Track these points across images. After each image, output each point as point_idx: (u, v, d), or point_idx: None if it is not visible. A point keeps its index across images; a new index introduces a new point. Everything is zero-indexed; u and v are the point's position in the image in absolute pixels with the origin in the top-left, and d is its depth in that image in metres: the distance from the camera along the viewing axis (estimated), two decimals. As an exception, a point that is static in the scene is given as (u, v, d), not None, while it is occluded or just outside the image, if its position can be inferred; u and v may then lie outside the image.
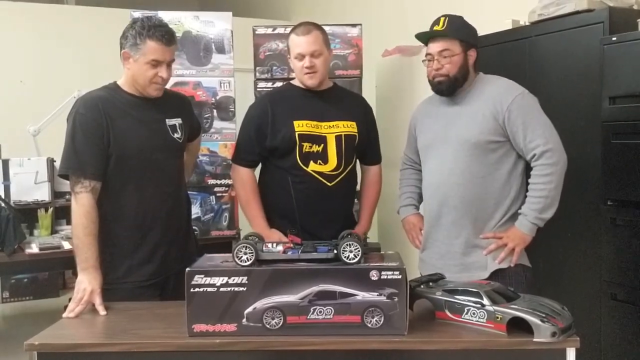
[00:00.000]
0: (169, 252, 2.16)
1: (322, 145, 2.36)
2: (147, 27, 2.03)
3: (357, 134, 2.42)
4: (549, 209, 2.12)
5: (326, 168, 2.37)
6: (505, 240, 2.17)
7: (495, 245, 2.18)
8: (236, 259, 1.63)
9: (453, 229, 2.23)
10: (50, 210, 3.66)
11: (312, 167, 2.36)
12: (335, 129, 2.39)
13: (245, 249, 1.63)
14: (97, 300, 1.92)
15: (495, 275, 2.15)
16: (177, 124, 2.21)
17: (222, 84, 3.37)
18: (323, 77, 2.39)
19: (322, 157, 2.37)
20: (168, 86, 2.34)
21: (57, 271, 4.80)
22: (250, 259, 1.63)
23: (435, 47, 2.23)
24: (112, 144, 2.06)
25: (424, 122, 2.38)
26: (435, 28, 2.25)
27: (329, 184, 2.37)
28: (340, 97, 2.49)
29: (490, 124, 2.17)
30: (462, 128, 2.21)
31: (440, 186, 2.25)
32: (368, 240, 2.82)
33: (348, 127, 2.41)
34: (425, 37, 2.28)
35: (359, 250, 1.63)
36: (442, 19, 2.25)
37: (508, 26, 2.88)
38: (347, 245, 1.63)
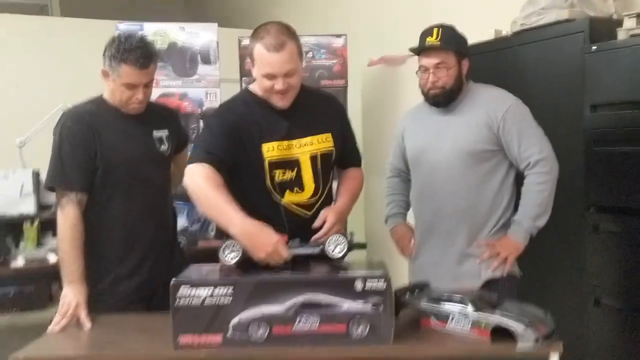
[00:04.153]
0: (156, 264, 2.15)
1: (296, 169, 1.97)
2: (121, 50, 2.00)
3: (333, 149, 2.03)
4: (542, 216, 2.13)
5: (303, 196, 1.98)
6: (498, 249, 2.17)
7: (489, 253, 2.18)
8: (223, 257, 1.66)
9: (447, 238, 2.22)
10: (36, 223, 3.63)
11: (288, 197, 1.97)
12: (309, 147, 1.99)
13: (233, 247, 1.67)
14: (82, 314, 1.91)
15: (488, 284, 2.16)
16: (163, 136, 2.21)
17: (208, 95, 3.38)
18: (296, 93, 1.97)
19: (298, 183, 1.97)
20: (154, 97, 2.35)
21: (43, 284, 4.74)
22: (237, 257, 1.66)
23: (430, 60, 2.19)
24: (99, 156, 2.05)
25: (414, 131, 2.36)
26: (428, 40, 2.20)
27: (308, 213, 1.98)
28: (310, 105, 2.04)
29: (484, 133, 2.17)
30: (456, 137, 2.19)
31: (434, 195, 2.24)
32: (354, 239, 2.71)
33: (323, 141, 2.01)
34: (419, 49, 2.24)
35: (345, 245, 1.69)
36: (435, 30, 2.20)
37: (491, 36, 2.91)
38: (332, 240, 1.67)
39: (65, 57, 5.10)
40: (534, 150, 2.13)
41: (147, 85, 2.09)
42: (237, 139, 1.93)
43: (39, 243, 3.63)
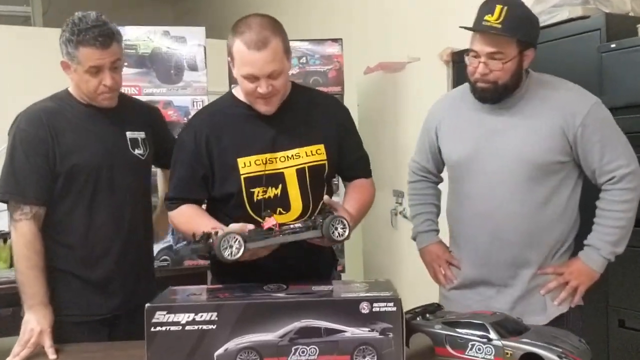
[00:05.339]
0: (123, 287, 1.89)
1: (280, 186, 1.76)
2: (76, 32, 1.77)
3: (326, 162, 1.80)
4: (623, 241, 1.80)
5: (289, 217, 1.75)
6: (567, 277, 1.82)
7: (556, 282, 1.83)
8: (224, 254, 1.46)
9: (509, 269, 1.86)
10: (9, 241, 3.39)
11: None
12: (296, 160, 1.77)
13: (230, 240, 1.47)
14: (47, 343, 1.68)
15: (553, 321, 1.82)
16: (139, 138, 1.95)
17: (194, 103, 3.16)
18: (283, 97, 1.78)
19: (282, 203, 1.76)
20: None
21: (21, 308, 4.49)
22: (239, 250, 1.48)
23: (484, 46, 1.77)
24: (59, 161, 1.81)
25: (456, 128, 1.94)
26: (487, 19, 1.74)
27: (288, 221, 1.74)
28: (302, 109, 1.82)
29: (558, 140, 1.79)
30: (522, 144, 1.81)
31: (493, 216, 1.84)
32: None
33: (313, 154, 1.78)
34: (473, 28, 1.81)
35: (347, 225, 1.53)
36: (499, 7, 1.73)
37: (497, 37, 2.72)
38: (335, 221, 1.52)
39: (48, 66, 4.91)
40: (621, 162, 1.77)
41: (115, 69, 1.83)
42: (208, 158, 1.77)
43: (12, 264, 3.38)
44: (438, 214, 2.11)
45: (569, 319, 1.85)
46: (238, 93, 1.82)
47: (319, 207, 1.70)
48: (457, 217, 1.97)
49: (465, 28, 1.80)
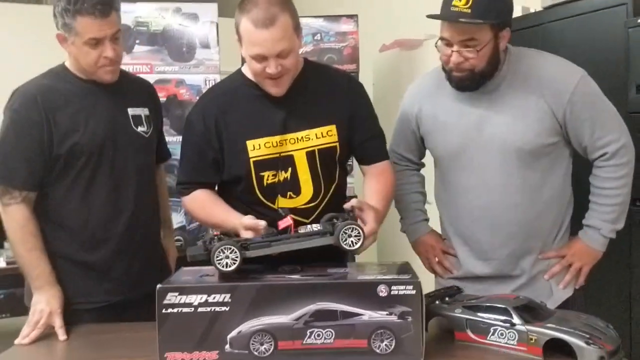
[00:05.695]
0: (128, 270, 1.83)
1: (290, 169, 1.71)
2: (73, 0, 1.67)
3: (337, 144, 1.74)
4: (622, 216, 1.73)
5: (299, 201, 1.72)
6: (570, 259, 1.76)
7: (560, 265, 1.77)
8: (218, 265, 1.38)
9: (512, 261, 1.78)
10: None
11: (281, 202, 1.71)
12: (305, 143, 1.71)
13: (225, 249, 1.37)
14: (57, 323, 1.64)
15: (559, 306, 1.74)
16: (142, 115, 1.87)
17: (207, 82, 3.10)
18: (294, 76, 1.70)
19: (292, 186, 1.71)
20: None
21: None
22: (235, 262, 1.37)
23: (455, 34, 1.64)
24: (57, 143, 1.70)
25: (438, 118, 1.82)
26: (455, 4, 1.61)
27: (306, 220, 1.70)
28: (313, 89, 1.74)
29: (546, 123, 1.69)
30: (508, 131, 1.71)
31: (490, 210, 1.76)
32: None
33: (324, 135, 1.72)
34: (441, 17, 1.68)
35: (360, 233, 1.40)
36: None
37: (518, 13, 2.63)
38: (347, 228, 1.39)
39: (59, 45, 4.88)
40: (612, 137, 1.69)
41: (115, 40, 1.73)
42: (217, 140, 1.72)
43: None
44: (425, 202, 2.03)
45: (574, 302, 1.79)
46: (247, 72, 1.74)
47: (345, 210, 1.58)
48: (451, 212, 1.87)
49: (432, 17, 1.67)
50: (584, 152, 1.75)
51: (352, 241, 1.41)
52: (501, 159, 1.73)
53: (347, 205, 1.52)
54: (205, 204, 1.75)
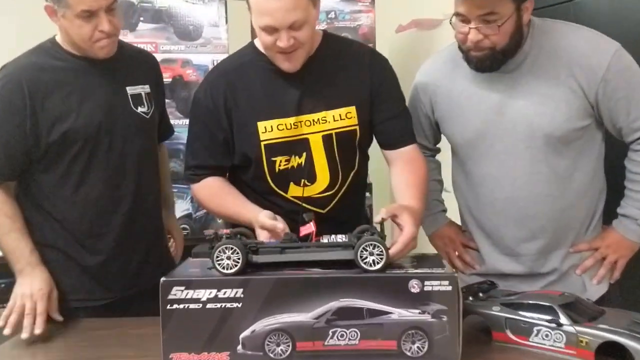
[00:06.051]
0: (127, 265, 1.68)
1: (304, 154, 1.58)
2: None
3: (357, 127, 1.60)
4: None
5: (314, 190, 1.59)
6: (604, 252, 1.63)
7: (593, 259, 1.63)
8: (217, 267, 1.23)
9: (541, 257, 1.64)
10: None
11: (293, 191, 1.59)
12: (322, 125, 1.57)
13: (228, 251, 1.22)
14: (40, 307, 1.48)
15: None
16: (142, 93, 1.70)
17: (214, 63, 2.94)
18: (308, 53, 1.56)
19: (307, 173, 1.59)
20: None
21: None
22: (236, 265, 1.22)
23: (473, 8, 1.48)
24: (45, 131, 1.55)
25: (452, 105, 1.67)
26: None
27: (321, 211, 1.59)
28: (331, 65, 1.60)
29: (576, 105, 1.54)
30: (535, 115, 1.55)
31: (516, 203, 1.62)
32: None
33: (342, 118, 1.59)
34: None
35: (383, 253, 1.21)
36: None
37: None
38: (367, 245, 1.21)
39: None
40: None
41: (111, 11, 1.56)
42: (226, 120, 1.59)
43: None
44: (442, 190, 1.88)
45: (610, 298, 1.65)
46: (260, 45, 1.60)
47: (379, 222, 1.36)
48: (471, 203, 1.72)
49: None
50: (619, 134, 1.60)
51: (373, 260, 1.21)
52: (526, 146, 1.58)
53: (377, 219, 1.33)
54: (216, 193, 1.62)
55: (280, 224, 1.41)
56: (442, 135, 1.83)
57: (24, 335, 1.45)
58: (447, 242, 1.81)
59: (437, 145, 1.90)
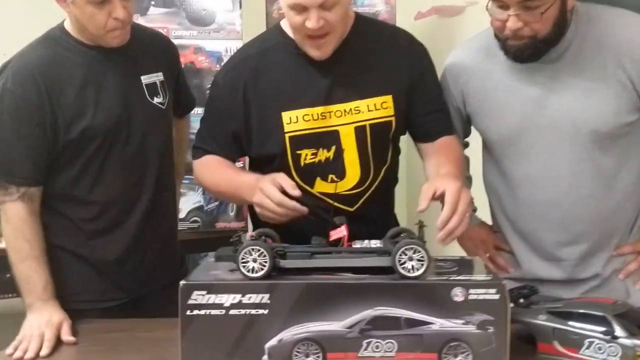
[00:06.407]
0: (141, 264, 1.59)
1: (334, 148, 1.48)
2: None
3: (393, 119, 1.50)
4: None
5: (343, 186, 1.48)
6: None
7: (637, 263, 1.53)
8: (243, 270, 1.14)
9: (583, 262, 1.53)
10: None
11: (320, 186, 1.49)
12: (355, 116, 1.48)
13: (254, 253, 1.13)
14: (62, 332, 1.39)
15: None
16: (157, 82, 1.59)
17: (228, 50, 2.85)
18: (340, 38, 1.45)
19: (335, 168, 1.49)
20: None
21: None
22: (263, 268, 1.13)
23: None
24: (63, 129, 1.45)
25: (487, 98, 1.56)
26: None
27: (349, 209, 1.49)
28: (365, 50, 1.50)
29: (625, 96, 1.42)
30: (580, 109, 1.44)
31: (558, 205, 1.50)
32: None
33: (377, 108, 1.48)
34: None
35: (424, 258, 1.11)
36: None
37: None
38: (407, 249, 1.11)
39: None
40: None
41: None
42: (243, 109, 1.49)
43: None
44: (470, 187, 1.74)
45: None
46: (287, 27, 1.50)
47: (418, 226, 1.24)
48: (507, 205, 1.60)
49: None
50: None
51: (412, 266, 1.11)
52: (570, 144, 1.46)
53: (420, 207, 1.24)
54: (214, 167, 1.53)
55: (298, 205, 1.33)
56: (472, 129, 1.72)
57: (28, 355, 1.33)
58: (478, 243, 1.70)
59: (466, 140, 1.79)
